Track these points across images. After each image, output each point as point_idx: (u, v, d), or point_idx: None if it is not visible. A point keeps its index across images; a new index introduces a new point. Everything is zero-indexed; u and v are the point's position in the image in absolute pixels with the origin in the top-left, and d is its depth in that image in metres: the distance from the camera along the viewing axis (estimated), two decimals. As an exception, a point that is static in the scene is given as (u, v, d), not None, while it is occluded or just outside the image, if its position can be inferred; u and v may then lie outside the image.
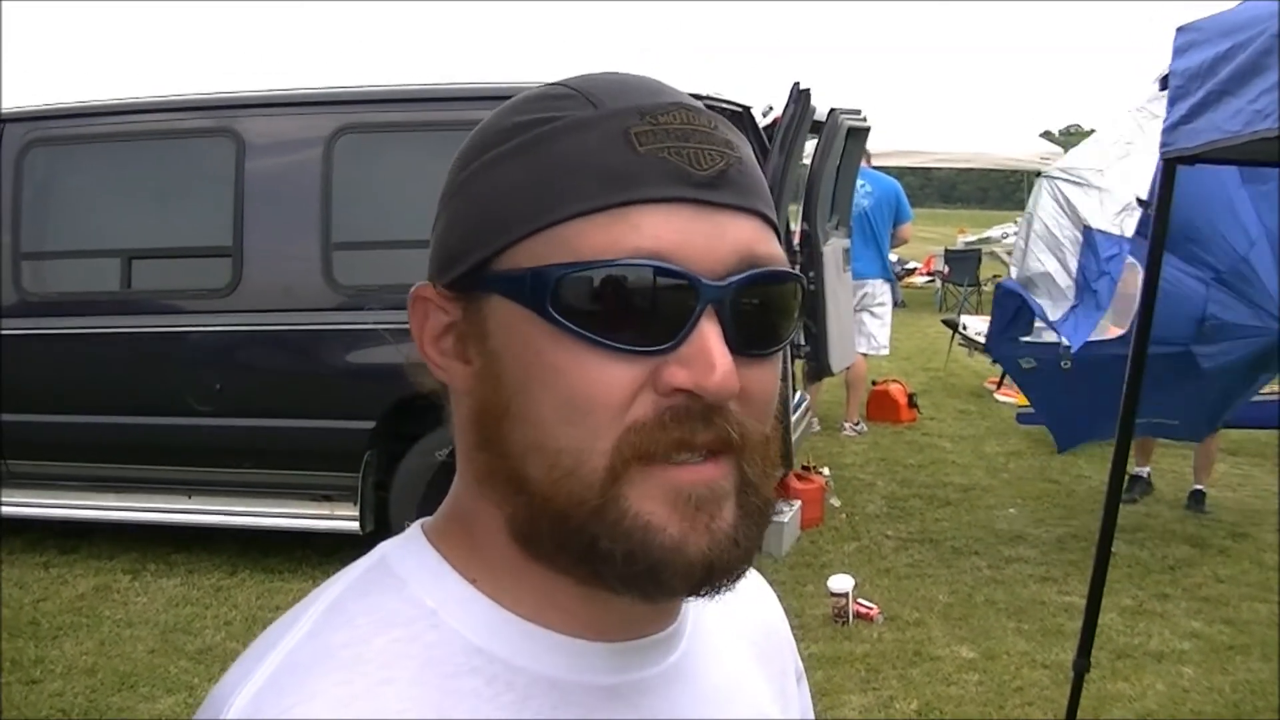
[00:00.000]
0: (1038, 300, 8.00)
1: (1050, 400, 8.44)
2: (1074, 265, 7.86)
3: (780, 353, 0.99)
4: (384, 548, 1.07)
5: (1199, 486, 9.48)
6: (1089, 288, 7.70)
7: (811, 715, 1.34)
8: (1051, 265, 7.97)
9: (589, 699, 1.00)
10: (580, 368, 0.91)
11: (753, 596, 1.28)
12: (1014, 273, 8.39)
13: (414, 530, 1.08)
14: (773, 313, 0.97)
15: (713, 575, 0.93)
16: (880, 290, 11.99)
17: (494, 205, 0.97)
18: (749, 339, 0.94)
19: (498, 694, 0.97)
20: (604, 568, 0.93)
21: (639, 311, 0.91)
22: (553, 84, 1.02)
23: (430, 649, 0.97)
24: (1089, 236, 7.74)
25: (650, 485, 0.91)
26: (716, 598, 0.97)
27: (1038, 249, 8.13)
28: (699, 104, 0.98)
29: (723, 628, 1.16)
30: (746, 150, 0.99)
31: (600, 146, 0.94)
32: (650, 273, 0.91)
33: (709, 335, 0.91)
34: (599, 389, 0.91)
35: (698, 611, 1.11)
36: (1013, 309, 8.25)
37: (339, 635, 0.97)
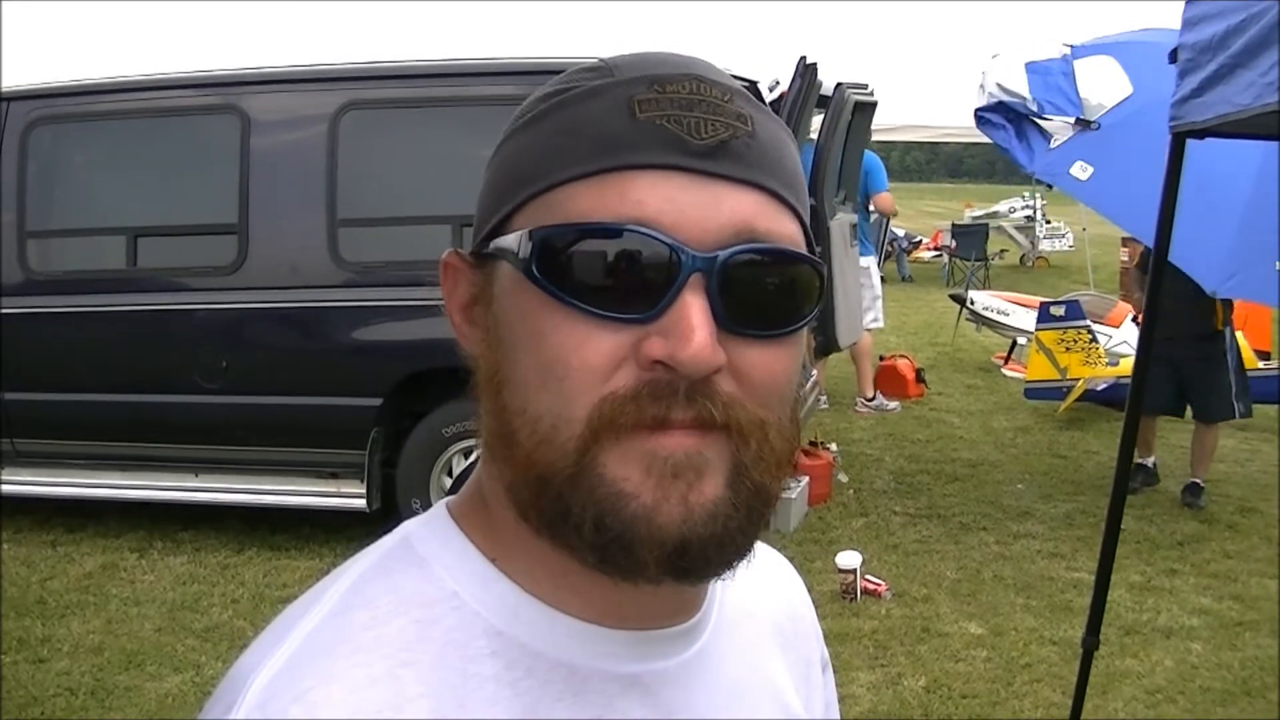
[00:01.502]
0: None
1: (1127, 199, 7.30)
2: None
3: (794, 336, 0.96)
4: (407, 526, 1.06)
5: (1196, 480, 9.24)
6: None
7: (835, 706, 1.33)
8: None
9: (608, 687, 0.99)
10: (559, 332, 0.90)
11: (779, 582, 1.27)
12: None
13: (438, 509, 1.07)
14: (780, 293, 0.94)
15: (688, 552, 0.90)
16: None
17: (507, 173, 0.98)
18: (748, 318, 0.91)
19: (518, 679, 0.96)
20: (576, 537, 0.91)
21: (622, 279, 0.89)
22: (595, 60, 1.01)
23: (451, 632, 0.96)
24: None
25: (626, 450, 0.89)
26: (699, 580, 0.95)
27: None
28: (720, 77, 0.96)
29: (748, 615, 1.15)
30: (768, 126, 0.96)
31: (601, 114, 0.93)
32: (633, 239, 0.89)
33: (690, 306, 0.88)
34: (575, 355, 0.90)
35: (723, 600, 1.09)
36: (1014, 131, 8.08)
37: (359, 615, 0.97)
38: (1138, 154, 6.12)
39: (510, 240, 0.94)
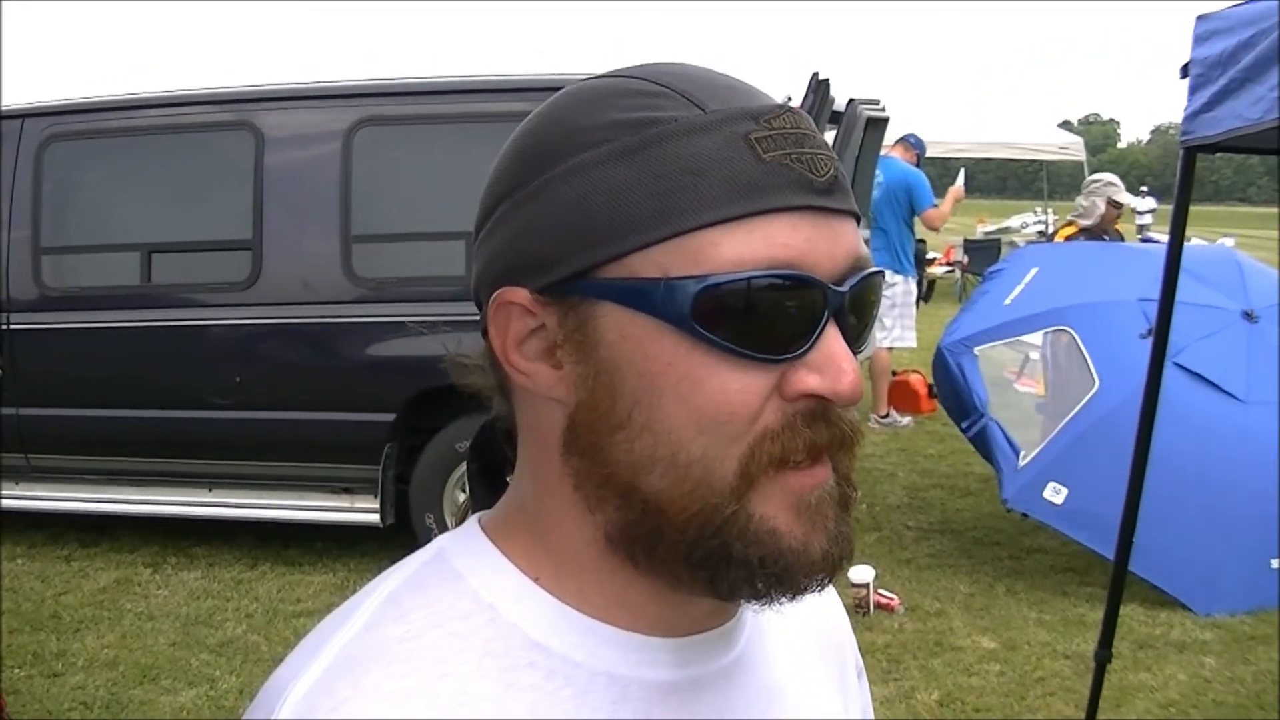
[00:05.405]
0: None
1: (1110, 524, 5.26)
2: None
3: None
4: (441, 541, 1.07)
5: None
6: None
7: (871, 712, 1.34)
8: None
9: (648, 694, 1.00)
10: (718, 378, 0.91)
11: None
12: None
13: (471, 525, 1.08)
14: (869, 309, 0.99)
15: (831, 572, 0.96)
16: (891, 280, 11.84)
17: (602, 210, 0.94)
18: (857, 337, 0.96)
19: (557, 689, 0.97)
20: (734, 572, 0.93)
21: (773, 320, 0.91)
22: (629, 78, 1.00)
23: (488, 643, 0.97)
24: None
25: (773, 491, 0.93)
26: (822, 592, 0.98)
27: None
28: (795, 105, 0.99)
29: (784, 621, 1.14)
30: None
31: (722, 153, 0.92)
32: (787, 283, 0.91)
33: (835, 340, 0.93)
34: (738, 399, 0.91)
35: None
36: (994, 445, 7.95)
37: (394, 629, 0.97)
38: (1116, 465, 5.20)
39: (633, 285, 0.93)
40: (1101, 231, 9.94)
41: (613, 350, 0.95)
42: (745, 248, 0.91)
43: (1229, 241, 19.01)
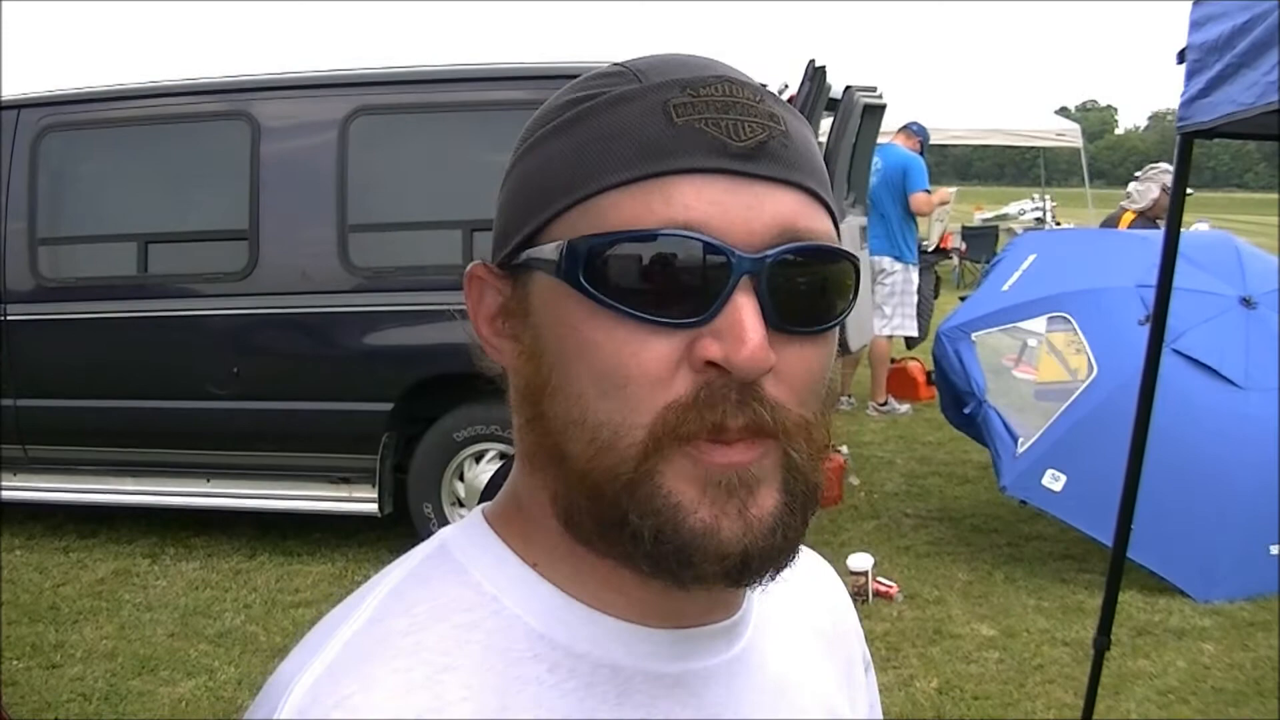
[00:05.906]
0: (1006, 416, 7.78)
1: (1109, 510, 5.10)
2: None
3: (830, 333, 0.97)
4: (444, 533, 1.07)
5: None
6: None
7: (878, 705, 1.32)
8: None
9: (652, 687, 0.99)
10: (614, 341, 0.90)
11: (819, 583, 1.27)
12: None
13: (475, 516, 1.07)
14: (819, 290, 0.95)
15: (750, 564, 0.92)
16: (891, 268, 11.87)
17: (536, 182, 0.97)
18: (791, 315, 0.92)
19: (560, 681, 0.96)
20: (633, 546, 0.91)
21: (673, 284, 0.90)
22: (608, 64, 1.01)
23: (491, 636, 0.97)
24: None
25: (684, 464, 0.90)
26: (759, 587, 0.95)
27: None
28: (747, 78, 0.97)
29: (789, 616, 1.15)
30: (797, 125, 0.97)
31: (638, 119, 0.93)
32: (682, 243, 0.89)
33: (742, 308, 0.89)
34: (634, 362, 0.90)
35: (763, 599, 1.09)
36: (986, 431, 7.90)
37: (399, 622, 0.97)
38: (1114, 452, 5.14)
39: (549, 250, 0.94)
40: (1154, 216, 10.15)
41: (537, 316, 0.96)
42: (642, 208, 0.90)
43: (1203, 227, 19.04)
